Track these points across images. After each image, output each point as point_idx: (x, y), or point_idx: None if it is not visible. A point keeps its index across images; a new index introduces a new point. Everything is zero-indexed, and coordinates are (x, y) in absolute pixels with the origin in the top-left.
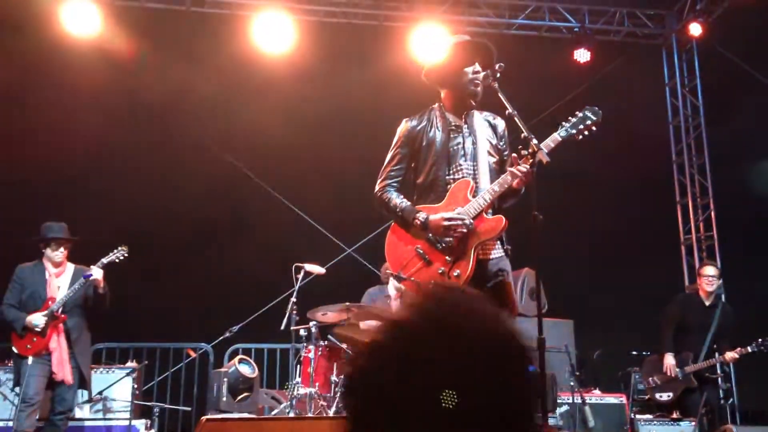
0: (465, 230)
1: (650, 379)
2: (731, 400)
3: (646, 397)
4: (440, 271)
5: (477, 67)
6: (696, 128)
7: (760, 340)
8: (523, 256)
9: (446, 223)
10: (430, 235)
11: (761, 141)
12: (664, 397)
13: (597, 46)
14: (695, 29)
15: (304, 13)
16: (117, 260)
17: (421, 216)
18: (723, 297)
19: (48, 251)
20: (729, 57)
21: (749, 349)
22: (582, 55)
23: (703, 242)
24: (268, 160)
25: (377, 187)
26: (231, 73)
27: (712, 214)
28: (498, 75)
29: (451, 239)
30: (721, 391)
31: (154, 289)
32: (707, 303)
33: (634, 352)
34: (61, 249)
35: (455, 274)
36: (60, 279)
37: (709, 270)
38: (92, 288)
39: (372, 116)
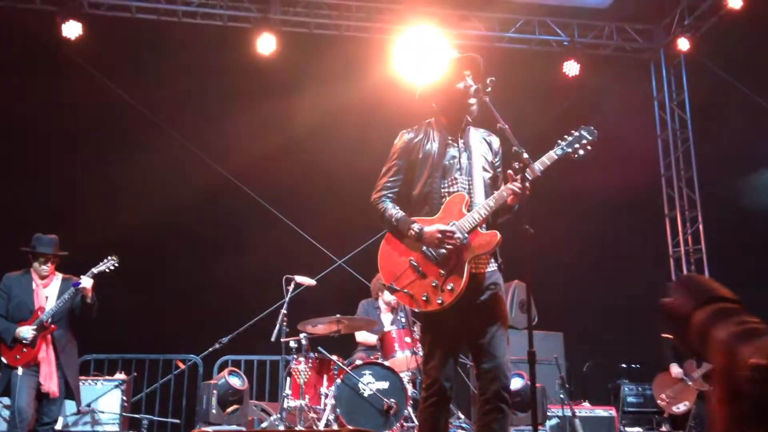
0: (459, 243)
1: (663, 395)
2: None
3: (660, 412)
4: (433, 284)
5: (469, 81)
6: (684, 142)
7: None
8: (512, 269)
9: (440, 235)
10: (425, 247)
11: (749, 154)
12: (681, 407)
13: (586, 59)
14: (683, 44)
15: (294, 25)
16: (107, 270)
17: (416, 227)
18: None
19: (35, 264)
20: (717, 71)
21: None
22: (571, 68)
23: (692, 255)
24: (259, 170)
25: (373, 197)
26: (222, 84)
27: (701, 227)
28: (489, 89)
29: (445, 252)
30: None
31: (143, 300)
32: None
33: (623, 365)
34: (48, 264)
35: (449, 287)
36: (48, 289)
37: None
38: (80, 297)
39: (364, 128)
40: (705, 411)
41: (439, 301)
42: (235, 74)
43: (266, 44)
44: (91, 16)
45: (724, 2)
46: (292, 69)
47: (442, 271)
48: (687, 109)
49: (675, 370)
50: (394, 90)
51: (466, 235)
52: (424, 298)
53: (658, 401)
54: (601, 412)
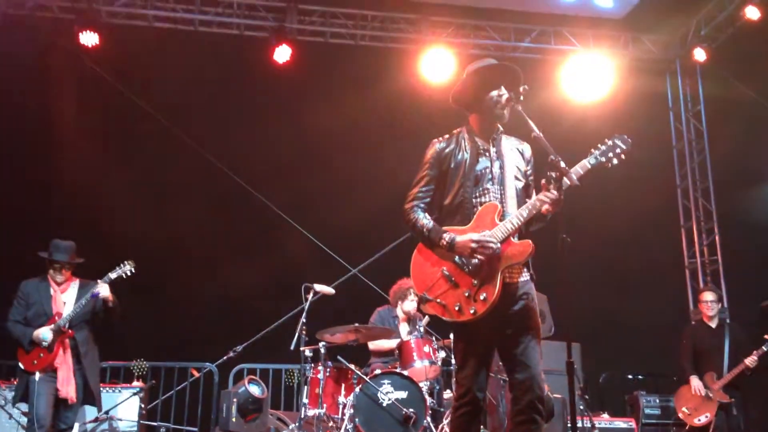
0: (492, 253)
1: (684, 408)
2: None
3: (679, 424)
4: (466, 294)
5: (502, 90)
6: (700, 152)
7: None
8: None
9: (474, 245)
10: (457, 257)
11: (765, 165)
12: (702, 419)
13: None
14: (700, 54)
15: (310, 35)
16: (124, 276)
17: (448, 237)
18: (728, 319)
19: (51, 271)
20: (733, 82)
21: (765, 348)
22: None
23: (708, 266)
24: (274, 178)
25: (405, 207)
26: (238, 92)
27: (717, 238)
28: (522, 97)
29: (477, 262)
30: (739, 418)
31: (158, 308)
32: (713, 326)
33: (640, 376)
34: (63, 270)
35: (482, 297)
36: (65, 295)
37: (708, 296)
38: (101, 302)
39: (379, 137)
40: (726, 422)
41: (472, 311)
42: (250, 83)
43: (282, 53)
44: (109, 24)
45: (742, 13)
46: (308, 78)
47: (475, 281)
48: (703, 120)
49: (695, 382)
50: (410, 99)
51: (499, 244)
52: (456, 308)
53: (680, 414)
54: (620, 423)
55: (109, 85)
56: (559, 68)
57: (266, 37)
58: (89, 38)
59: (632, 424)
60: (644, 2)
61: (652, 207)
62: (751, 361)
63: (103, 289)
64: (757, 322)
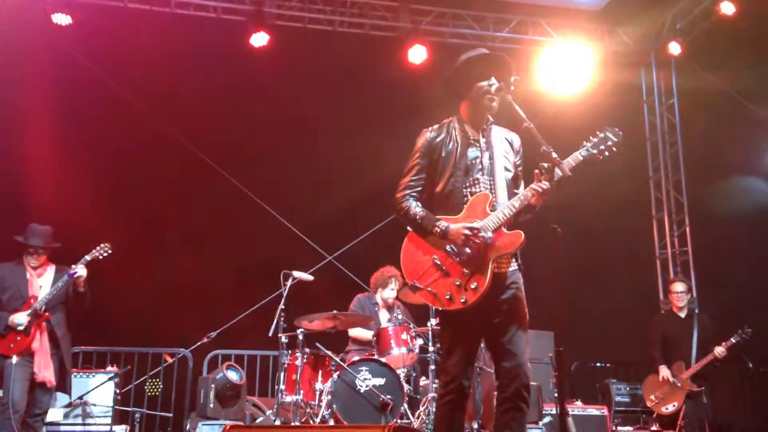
0: (484, 242)
1: (652, 396)
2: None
3: (649, 412)
4: (457, 283)
5: (492, 80)
6: (672, 145)
7: (740, 330)
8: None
9: (467, 232)
10: (448, 247)
11: (736, 159)
12: (670, 408)
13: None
14: (674, 48)
15: (288, 20)
16: (100, 257)
17: (442, 225)
18: (697, 309)
19: (27, 255)
20: (707, 76)
21: (733, 339)
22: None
23: (678, 257)
24: (253, 164)
25: (397, 196)
26: (215, 75)
27: (687, 229)
28: (512, 88)
29: (469, 251)
30: (707, 407)
31: (131, 292)
32: (682, 315)
33: (610, 364)
34: (39, 255)
35: (472, 286)
36: (41, 279)
37: (678, 286)
38: (72, 286)
39: (356, 124)
40: (694, 411)
41: (463, 300)
42: (228, 67)
43: (259, 39)
44: (82, 4)
45: (717, 8)
46: (286, 64)
47: (466, 270)
48: (676, 113)
49: (664, 371)
50: (390, 86)
51: (491, 234)
52: (447, 297)
53: (648, 402)
54: (593, 410)
55: (82, 67)
56: (537, 59)
57: (244, 21)
58: (62, 19)
59: (604, 411)
60: None
61: (625, 198)
62: (719, 351)
63: (81, 270)
64: (726, 313)
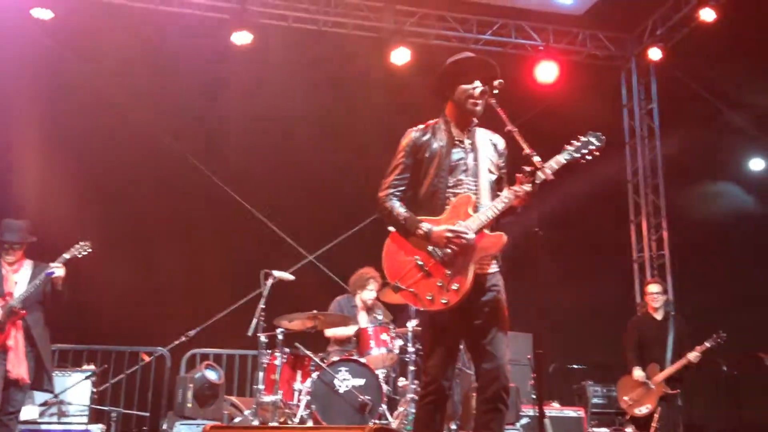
0: (466, 244)
1: (625, 398)
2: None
3: (624, 413)
4: (439, 284)
5: (477, 83)
6: (651, 150)
7: (715, 335)
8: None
9: (449, 234)
10: (430, 247)
11: (714, 164)
12: (643, 410)
13: (560, 65)
14: (654, 53)
15: (272, 18)
16: (79, 255)
17: (425, 226)
18: (673, 310)
19: (2, 251)
20: (686, 82)
21: (707, 344)
22: (548, 74)
23: (655, 260)
24: (233, 163)
25: (380, 195)
26: (197, 73)
27: (665, 233)
28: (496, 91)
29: (451, 252)
30: (681, 410)
31: (109, 290)
32: (658, 318)
33: (587, 366)
34: (14, 250)
35: (454, 287)
36: (17, 275)
37: (653, 287)
38: (50, 285)
39: (338, 123)
40: (668, 413)
41: (444, 301)
42: (210, 64)
43: (241, 38)
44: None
45: (696, 15)
46: (269, 61)
47: (448, 271)
48: (655, 118)
49: (637, 373)
50: (373, 86)
51: (473, 236)
52: (429, 298)
53: (621, 403)
54: (570, 412)
55: (62, 62)
56: (519, 62)
57: (227, 19)
58: (42, 13)
59: (581, 413)
60: (603, 0)
61: (603, 201)
62: (693, 356)
63: (59, 270)
64: (701, 316)
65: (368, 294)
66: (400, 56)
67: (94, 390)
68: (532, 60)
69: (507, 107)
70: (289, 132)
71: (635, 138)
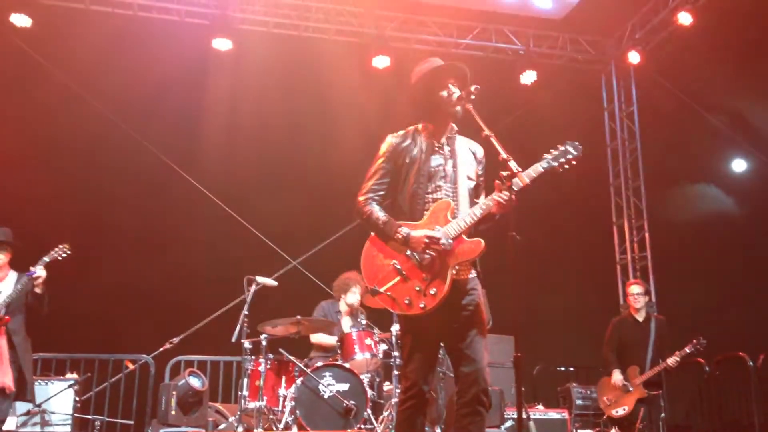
0: (444, 249)
1: (604, 398)
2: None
3: (602, 412)
4: (417, 288)
5: (452, 88)
6: (632, 152)
7: (695, 340)
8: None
9: (427, 240)
10: (409, 252)
11: (694, 165)
12: (620, 411)
13: (540, 69)
14: (634, 57)
15: (253, 24)
16: (59, 257)
17: (404, 231)
18: (655, 311)
19: None
20: (665, 85)
21: (687, 350)
22: (528, 77)
23: (637, 262)
24: (216, 168)
25: (359, 199)
26: (177, 78)
27: (647, 235)
28: (473, 97)
29: (429, 257)
30: (661, 412)
31: (92, 298)
32: (640, 319)
33: (572, 369)
34: (1, 255)
35: (432, 292)
36: (2, 284)
37: (634, 288)
38: (31, 288)
39: (321, 128)
40: (648, 415)
41: (422, 306)
42: (190, 69)
43: (222, 44)
44: (42, 6)
45: (674, 18)
46: (250, 66)
47: (426, 276)
48: (636, 120)
49: (616, 376)
50: (355, 91)
51: (451, 241)
52: (406, 302)
53: (600, 404)
54: (554, 414)
55: (39, 68)
56: (499, 66)
57: (207, 24)
58: (21, 20)
59: (565, 414)
60: (582, 4)
61: (585, 203)
62: (672, 361)
63: (40, 271)
64: (683, 317)
65: (352, 297)
66: (381, 61)
67: (77, 399)
68: (513, 64)
69: (488, 111)
70: (271, 137)
71: (616, 140)
